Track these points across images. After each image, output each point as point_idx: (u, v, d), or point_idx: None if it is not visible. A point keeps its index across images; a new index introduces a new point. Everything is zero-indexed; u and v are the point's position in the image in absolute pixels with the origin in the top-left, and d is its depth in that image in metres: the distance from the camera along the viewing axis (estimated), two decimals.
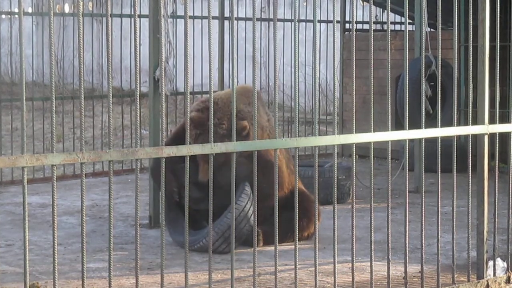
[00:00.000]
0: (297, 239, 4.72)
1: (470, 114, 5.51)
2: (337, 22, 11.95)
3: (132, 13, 4.12)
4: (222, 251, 6.32)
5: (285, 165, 6.74)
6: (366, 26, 12.86)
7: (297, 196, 4.74)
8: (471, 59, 5.49)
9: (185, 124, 4.38)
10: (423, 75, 5.43)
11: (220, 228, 6.30)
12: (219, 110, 6.45)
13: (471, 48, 5.53)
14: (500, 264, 5.67)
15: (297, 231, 4.72)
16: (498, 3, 5.59)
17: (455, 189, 5.41)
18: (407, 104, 5.17)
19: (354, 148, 4.97)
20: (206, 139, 5.62)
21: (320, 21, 11.81)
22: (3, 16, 17.29)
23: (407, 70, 5.33)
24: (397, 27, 13.00)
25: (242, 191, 6.35)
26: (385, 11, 12.89)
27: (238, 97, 5.42)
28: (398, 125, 9.37)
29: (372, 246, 5.01)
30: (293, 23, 4.77)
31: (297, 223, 4.74)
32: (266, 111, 7.01)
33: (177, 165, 6.02)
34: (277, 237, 4.64)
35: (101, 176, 10.14)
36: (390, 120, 5.11)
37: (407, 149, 5.30)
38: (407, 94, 5.20)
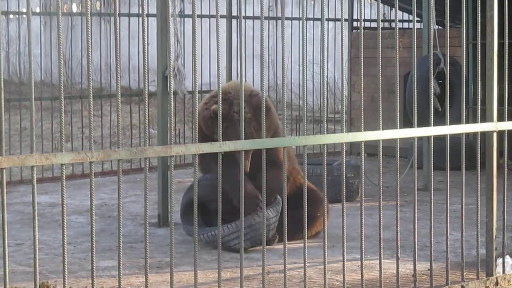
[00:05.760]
0: (306, 237, 4.73)
1: (479, 112, 5.51)
2: (345, 20, 11.94)
3: (140, 12, 4.12)
4: (233, 246, 6.29)
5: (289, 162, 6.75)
6: (374, 24, 12.85)
7: (306, 193, 4.74)
8: (479, 56, 5.48)
9: (193, 122, 4.39)
10: (431, 73, 5.43)
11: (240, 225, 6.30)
12: (235, 98, 6.31)
13: (479, 45, 5.52)
14: (509, 261, 5.66)
15: (306, 230, 4.73)
16: (507, 0, 5.58)
17: (463, 186, 5.40)
18: (416, 102, 5.16)
19: (363, 146, 4.97)
20: (235, 129, 5.60)
21: (328, 19, 11.80)
22: (11, 16, 17.31)
23: (415, 68, 5.33)
24: (405, 25, 12.98)
25: (276, 204, 6.38)
26: (393, 9, 12.88)
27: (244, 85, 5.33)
28: (407, 123, 9.36)
29: (381, 244, 5.00)
30: (301, 21, 4.77)
31: (306, 221, 4.74)
32: None
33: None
34: (286, 236, 4.65)
35: (110, 175, 10.16)
36: (398, 118, 5.11)
37: (415, 147, 5.30)
38: (416, 92, 5.20)
